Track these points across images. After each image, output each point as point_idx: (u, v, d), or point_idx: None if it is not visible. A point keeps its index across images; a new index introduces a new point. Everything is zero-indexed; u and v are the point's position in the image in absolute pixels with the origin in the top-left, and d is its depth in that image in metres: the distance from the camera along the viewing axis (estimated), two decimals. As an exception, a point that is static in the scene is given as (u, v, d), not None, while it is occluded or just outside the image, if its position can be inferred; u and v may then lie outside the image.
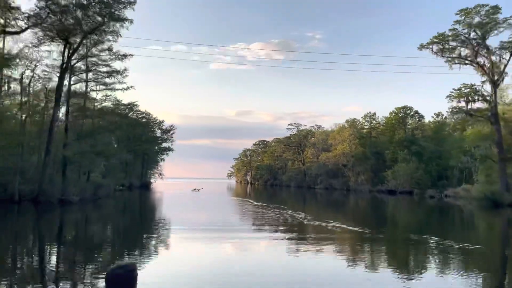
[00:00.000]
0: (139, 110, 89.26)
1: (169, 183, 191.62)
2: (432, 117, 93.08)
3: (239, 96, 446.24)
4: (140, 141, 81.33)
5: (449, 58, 55.04)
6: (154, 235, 20.60)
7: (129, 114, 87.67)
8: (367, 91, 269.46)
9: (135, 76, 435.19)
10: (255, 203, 46.36)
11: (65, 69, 36.57)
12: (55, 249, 17.42)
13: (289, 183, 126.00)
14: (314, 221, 26.94)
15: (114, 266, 2.65)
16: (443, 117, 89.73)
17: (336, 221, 27.15)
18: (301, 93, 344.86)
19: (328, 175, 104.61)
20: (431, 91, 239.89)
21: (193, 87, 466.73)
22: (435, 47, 55.10)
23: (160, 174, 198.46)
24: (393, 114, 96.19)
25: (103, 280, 3.22)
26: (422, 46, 56.06)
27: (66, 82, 39.49)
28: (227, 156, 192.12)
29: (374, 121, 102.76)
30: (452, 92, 56.83)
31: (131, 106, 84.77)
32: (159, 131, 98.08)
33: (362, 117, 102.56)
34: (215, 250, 16.48)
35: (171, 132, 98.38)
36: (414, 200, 66.22)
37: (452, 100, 57.19)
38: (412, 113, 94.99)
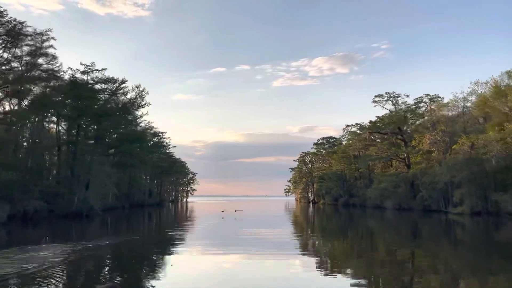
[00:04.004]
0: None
1: (203, 202, 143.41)
2: None
3: (302, 112, 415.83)
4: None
5: None
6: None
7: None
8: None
9: (199, 99, 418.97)
10: None
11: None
12: None
13: (379, 202, 69.75)
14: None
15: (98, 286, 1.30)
16: None
17: None
18: (368, 105, 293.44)
19: (480, 184, 47.59)
20: None
21: (257, 106, 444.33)
22: None
23: (184, 192, 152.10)
24: None
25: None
26: None
27: None
28: (290, 173, 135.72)
29: None
30: None
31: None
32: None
33: None
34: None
35: (141, 101, 47.22)
36: None
37: None
38: None
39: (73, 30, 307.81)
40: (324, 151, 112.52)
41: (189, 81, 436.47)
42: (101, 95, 45.85)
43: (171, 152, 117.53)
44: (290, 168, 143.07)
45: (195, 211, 67.85)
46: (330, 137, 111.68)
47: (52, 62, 38.92)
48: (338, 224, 43.96)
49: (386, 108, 67.82)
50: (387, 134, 66.62)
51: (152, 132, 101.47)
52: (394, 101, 66.77)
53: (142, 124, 55.01)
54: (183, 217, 51.26)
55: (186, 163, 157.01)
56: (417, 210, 59.39)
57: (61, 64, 39.66)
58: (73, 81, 42.38)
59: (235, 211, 58.40)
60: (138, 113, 50.00)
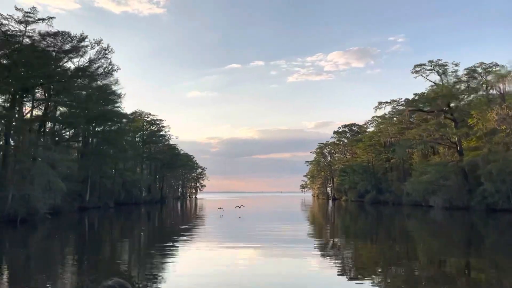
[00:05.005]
0: None
1: (213, 199, 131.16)
2: None
3: (317, 108, 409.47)
4: None
5: None
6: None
7: None
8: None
9: (214, 96, 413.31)
10: None
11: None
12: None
13: (420, 199, 55.78)
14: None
15: (105, 282, 2.41)
16: None
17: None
18: (385, 100, 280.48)
19: None
20: None
21: (272, 102, 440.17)
22: None
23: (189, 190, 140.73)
24: None
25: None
26: None
27: None
28: (306, 169, 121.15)
29: None
30: None
31: None
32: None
33: None
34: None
35: (106, 65, 34.21)
36: None
37: None
38: None
39: (89, 29, 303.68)
40: (346, 140, 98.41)
41: (203, 78, 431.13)
42: (51, 57, 33.05)
43: (174, 144, 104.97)
44: (307, 161, 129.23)
45: (195, 211, 55.19)
46: (353, 124, 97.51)
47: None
48: (370, 226, 30.86)
49: (430, 80, 53.48)
50: (432, 112, 52.23)
51: (149, 119, 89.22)
52: (441, 71, 52.38)
53: (125, 106, 42.03)
54: (166, 223, 38.43)
55: (193, 157, 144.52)
56: (477, 209, 45.31)
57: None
58: (3, 32, 29.80)
59: (240, 207, 47.08)
60: (109, 83, 37.30)
